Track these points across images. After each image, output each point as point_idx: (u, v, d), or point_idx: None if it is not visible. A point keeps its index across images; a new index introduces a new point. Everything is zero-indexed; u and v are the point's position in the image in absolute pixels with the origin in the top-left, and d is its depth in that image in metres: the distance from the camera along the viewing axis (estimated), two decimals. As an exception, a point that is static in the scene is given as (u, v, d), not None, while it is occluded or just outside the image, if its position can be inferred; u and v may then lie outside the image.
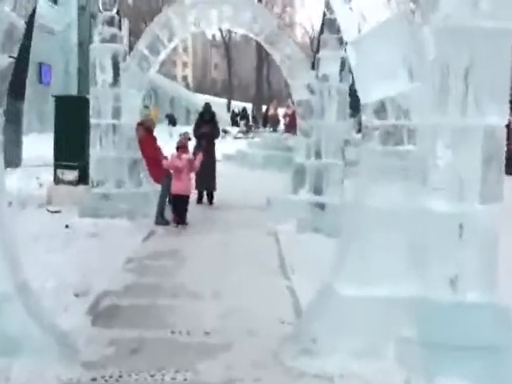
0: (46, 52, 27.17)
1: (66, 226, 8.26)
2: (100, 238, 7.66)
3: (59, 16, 29.92)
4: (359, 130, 25.48)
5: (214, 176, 10.80)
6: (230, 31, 61.62)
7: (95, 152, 8.75)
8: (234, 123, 35.12)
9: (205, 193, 10.94)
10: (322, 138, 8.56)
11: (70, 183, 10.07)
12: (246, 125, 31.65)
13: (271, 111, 24.35)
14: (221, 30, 60.12)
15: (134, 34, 58.13)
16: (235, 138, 26.94)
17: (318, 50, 9.28)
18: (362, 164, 3.91)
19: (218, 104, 58.25)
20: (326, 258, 6.99)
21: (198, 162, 8.72)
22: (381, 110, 3.84)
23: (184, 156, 8.50)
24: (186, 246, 7.44)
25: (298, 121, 9.16)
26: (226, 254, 7.04)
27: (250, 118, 36.62)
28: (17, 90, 13.15)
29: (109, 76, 8.56)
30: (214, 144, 10.80)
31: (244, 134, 28.61)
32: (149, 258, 6.76)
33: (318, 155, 8.58)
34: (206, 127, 10.64)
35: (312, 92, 8.67)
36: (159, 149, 8.88)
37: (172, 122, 33.59)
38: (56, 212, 9.29)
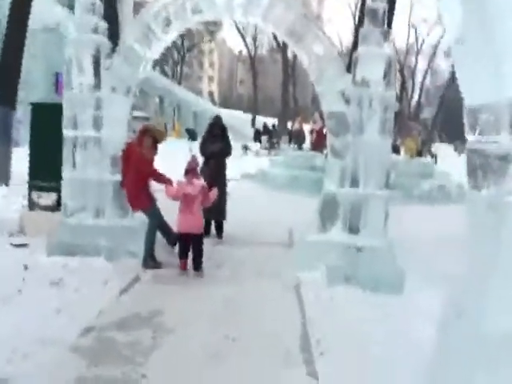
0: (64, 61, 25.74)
1: (25, 268, 6.41)
2: (62, 288, 5.76)
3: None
4: (393, 150, 23.28)
5: (225, 202, 8.86)
6: (255, 45, 60.76)
7: (69, 172, 6.88)
8: (257, 139, 33.22)
9: (213, 223, 9.00)
10: (360, 161, 6.57)
11: (46, 208, 8.23)
12: (269, 141, 29.65)
13: (296, 126, 22.32)
14: (246, 45, 59.07)
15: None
16: (257, 155, 25.08)
17: (354, 48, 7.28)
18: (475, 240, 1.90)
19: (243, 119, 57.15)
20: (367, 329, 5.07)
21: (212, 196, 6.76)
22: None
23: (196, 182, 6.54)
24: (176, 304, 5.48)
25: (329, 138, 7.16)
26: (227, 322, 5.03)
27: (274, 133, 34.70)
28: (5, 97, 11.47)
29: (88, 76, 6.71)
30: (224, 164, 8.86)
31: (266, 151, 26.72)
32: (117, 327, 4.80)
33: (354, 182, 6.58)
34: (216, 144, 8.70)
35: (348, 101, 6.69)
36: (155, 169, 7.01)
37: (192, 136, 31.97)
38: (21, 246, 7.45)
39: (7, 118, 11.75)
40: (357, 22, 13.24)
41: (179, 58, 64.16)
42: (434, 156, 27.75)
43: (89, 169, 6.87)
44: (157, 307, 5.32)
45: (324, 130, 18.38)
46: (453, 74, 42.54)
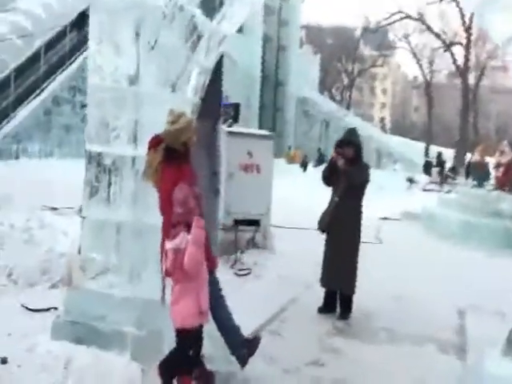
0: (226, 83, 24.60)
1: (3, 362, 3.96)
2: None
3: (243, 46, 27.33)
4: None
5: (355, 265, 5.77)
6: (431, 70, 55.92)
7: (92, 209, 4.35)
8: (427, 172, 28.98)
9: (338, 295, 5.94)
10: None
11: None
12: (441, 174, 25.31)
13: (476, 158, 18.19)
14: (422, 70, 54.59)
15: (324, 72, 55.57)
16: (424, 190, 21.21)
17: None
18: None
19: (416, 148, 52.65)
20: None
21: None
22: None
23: (177, 241, 3.51)
24: None
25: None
26: None
27: (448, 166, 30.29)
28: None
29: (127, 60, 4.14)
30: (358, 203, 5.74)
31: (437, 186, 22.63)
32: None
33: None
34: (345, 173, 5.60)
35: None
36: (198, 196, 3.84)
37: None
38: (39, 311, 5.11)
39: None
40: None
41: (348, 83, 61.68)
42: None
43: (123, 206, 4.29)
44: None
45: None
46: None
